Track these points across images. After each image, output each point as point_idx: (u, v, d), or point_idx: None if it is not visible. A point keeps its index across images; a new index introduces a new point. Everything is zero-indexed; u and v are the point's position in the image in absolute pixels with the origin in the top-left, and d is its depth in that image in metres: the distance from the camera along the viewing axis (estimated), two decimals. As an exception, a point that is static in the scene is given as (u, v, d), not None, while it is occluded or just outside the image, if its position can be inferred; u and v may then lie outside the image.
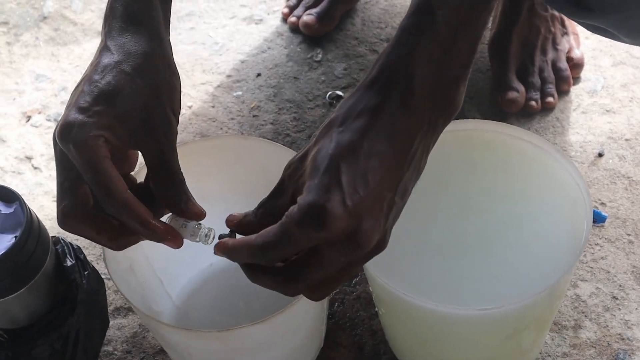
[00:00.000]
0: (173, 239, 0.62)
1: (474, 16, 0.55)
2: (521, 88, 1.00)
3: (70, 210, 0.59)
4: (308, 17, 1.11)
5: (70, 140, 0.57)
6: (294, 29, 1.14)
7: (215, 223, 0.86)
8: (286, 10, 1.15)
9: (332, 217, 0.51)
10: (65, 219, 0.59)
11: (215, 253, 0.58)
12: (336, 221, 0.51)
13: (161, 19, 0.64)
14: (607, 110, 1.01)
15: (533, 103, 1.00)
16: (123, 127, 0.59)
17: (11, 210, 0.74)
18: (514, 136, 0.76)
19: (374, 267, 0.69)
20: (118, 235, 0.60)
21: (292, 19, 1.13)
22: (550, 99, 1.01)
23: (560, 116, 1.01)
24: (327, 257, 0.53)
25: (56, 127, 0.59)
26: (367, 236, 0.52)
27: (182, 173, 0.62)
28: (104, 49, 0.61)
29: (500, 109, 1.01)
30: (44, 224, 0.78)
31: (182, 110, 1.06)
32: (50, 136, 1.04)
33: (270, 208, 0.57)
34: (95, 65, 0.60)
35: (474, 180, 0.78)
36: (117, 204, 0.57)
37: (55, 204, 0.97)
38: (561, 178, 0.74)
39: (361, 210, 0.52)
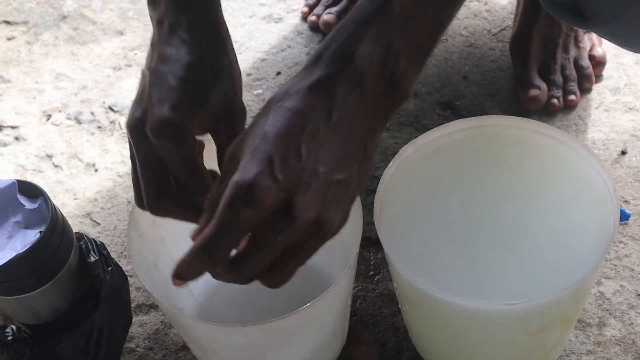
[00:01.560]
0: None
1: (434, 7, 0.54)
2: (543, 86, 1.00)
3: (159, 195, 0.63)
4: (328, 16, 1.11)
5: (168, 138, 0.60)
6: (314, 27, 1.14)
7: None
8: (306, 9, 1.15)
9: (260, 190, 0.50)
10: (154, 203, 0.63)
11: (174, 284, 0.57)
12: (264, 194, 0.50)
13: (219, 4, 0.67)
14: (630, 108, 1.01)
15: (555, 101, 1.00)
16: (210, 119, 0.62)
17: (35, 205, 0.74)
18: (539, 132, 0.76)
19: (399, 263, 0.68)
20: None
21: (312, 17, 1.13)
22: (572, 97, 1.00)
23: (583, 114, 1.01)
24: (263, 236, 0.52)
25: (138, 120, 0.61)
26: (302, 210, 0.51)
27: None
28: (173, 36, 0.62)
29: (521, 107, 1.01)
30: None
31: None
32: (71, 135, 1.05)
33: (218, 197, 0.55)
34: (173, 58, 0.62)
35: (499, 176, 0.78)
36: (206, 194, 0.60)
37: (76, 201, 0.98)
38: (587, 175, 0.73)
39: (292, 183, 0.50)
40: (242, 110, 0.66)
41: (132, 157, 0.64)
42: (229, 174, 0.54)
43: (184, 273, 0.56)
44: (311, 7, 1.15)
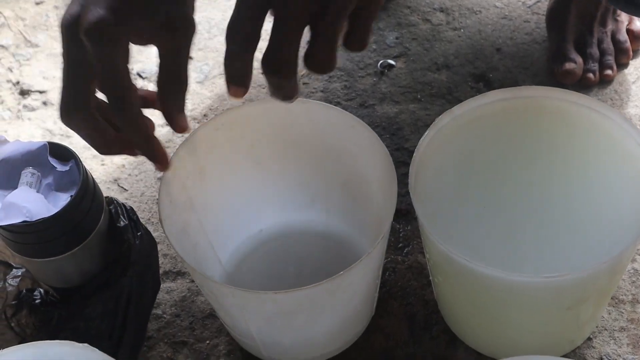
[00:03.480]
0: (164, 161, 0.62)
1: None
2: (579, 59, 0.98)
3: (77, 104, 0.59)
4: None
5: (101, 40, 0.55)
6: None
7: (269, 186, 0.85)
8: None
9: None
10: (69, 110, 0.59)
11: (231, 94, 0.57)
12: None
13: None
14: (667, 84, 0.99)
15: (590, 75, 0.98)
16: (147, 26, 0.57)
17: (66, 168, 0.74)
18: (578, 104, 0.74)
19: (435, 234, 0.67)
20: (112, 143, 0.61)
21: None
22: (608, 72, 0.98)
23: (619, 89, 0.99)
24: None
25: (74, 17, 0.57)
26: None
27: (188, 83, 0.60)
28: None
29: (556, 81, 0.99)
30: (94, 187, 0.77)
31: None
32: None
33: None
34: None
35: (537, 148, 0.77)
36: (129, 115, 0.57)
37: (103, 167, 0.98)
38: (627, 148, 0.72)
39: None
40: (188, 21, 0.58)
41: (63, 56, 0.59)
42: None
43: (233, 73, 0.56)
44: None
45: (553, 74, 0.99)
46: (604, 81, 0.99)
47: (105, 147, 0.62)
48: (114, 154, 0.63)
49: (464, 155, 0.77)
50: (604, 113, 0.73)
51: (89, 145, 1.00)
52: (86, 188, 0.72)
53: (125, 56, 0.57)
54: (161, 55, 0.59)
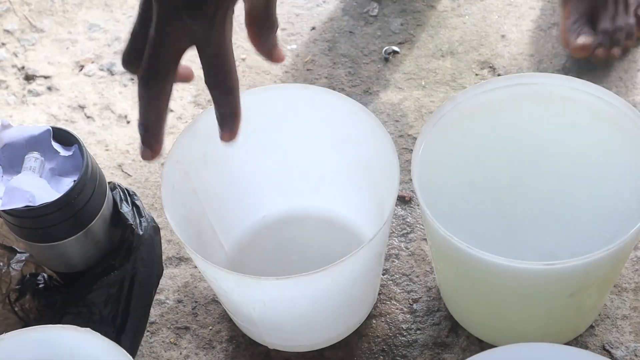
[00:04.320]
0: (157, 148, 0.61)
1: None
2: (592, 34, 0.97)
3: (163, 72, 0.58)
4: None
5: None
6: None
7: (271, 172, 0.85)
8: None
9: None
10: (153, 73, 0.58)
11: None
12: None
13: None
14: (673, 72, 0.98)
15: (600, 50, 0.97)
16: None
17: (70, 153, 0.74)
18: (582, 91, 0.74)
19: (437, 220, 0.67)
20: (160, 126, 0.61)
21: None
22: (615, 50, 0.97)
23: (624, 76, 0.98)
24: None
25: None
26: None
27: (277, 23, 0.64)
28: None
29: (561, 67, 0.99)
30: (98, 172, 0.77)
31: (236, 63, 1.05)
32: (104, 86, 1.04)
33: None
34: None
35: (540, 135, 0.77)
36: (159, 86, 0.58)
37: (107, 152, 0.98)
38: (632, 136, 0.72)
39: None
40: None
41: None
42: None
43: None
44: None
45: (566, 46, 0.98)
46: (613, 57, 0.98)
47: (153, 125, 0.60)
48: (150, 137, 0.61)
49: (467, 142, 0.77)
50: (609, 100, 0.73)
51: (93, 131, 1.01)
52: (89, 173, 0.72)
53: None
54: (252, 3, 0.62)
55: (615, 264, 0.69)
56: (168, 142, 0.97)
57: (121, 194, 0.79)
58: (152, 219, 0.80)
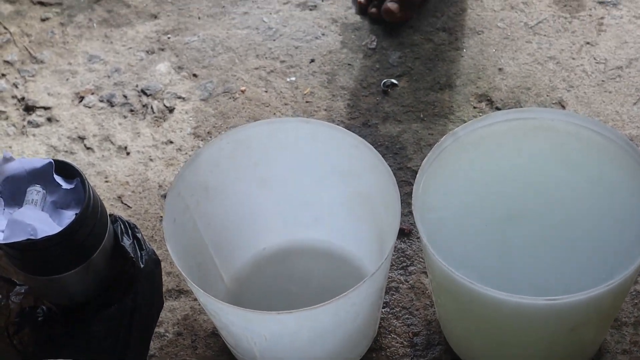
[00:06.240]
0: None
1: None
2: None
3: None
4: (392, 4, 1.08)
5: None
6: (375, 19, 1.11)
7: (271, 205, 0.85)
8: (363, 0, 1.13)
9: None
10: None
11: None
12: None
13: None
14: (669, 105, 0.99)
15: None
16: None
17: (72, 186, 0.74)
18: (581, 125, 0.74)
19: (437, 254, 0.67)
20: None
21: (373, 9, 1.11)
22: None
23: (620, 109, 0.99)
24: None
25: None
26: None
27: None
28: None
29: (558, 100, 1.00)
30: (98, 204, 0.77)
31: (236, 95, 1.06)
32: (103, 117, 1.05)
33: None
34: None
35: (540, 169, 0.77)
36: None
37: (107, 184, 0.98)
38: (631, 170, 0.72)
39: None
40: None
41: None
42: None
43: None
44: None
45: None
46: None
47: None
48: None
49: (468, 176, 0.77)
50: (607, 135, 0.74)
51: (92, 162, 1.01)
52: (91, 206, 0.73)
53: None
54: None
55: (616, 298, 0.70)
56: (168, 173, 0.99)
57: (122, 226, 0.79)
58: (153, 252, 0.80)
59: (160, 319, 0.85)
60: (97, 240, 0.74)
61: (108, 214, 0.77)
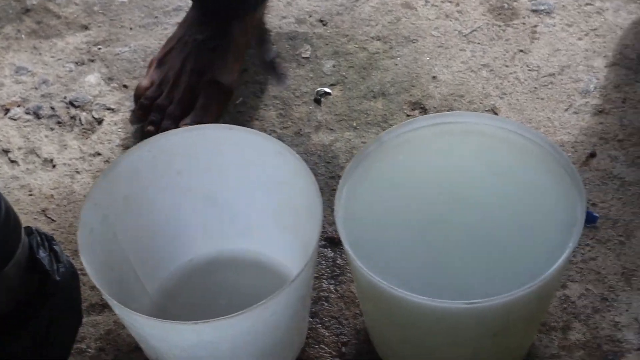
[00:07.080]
0: None
1: None
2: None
3: None
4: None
5: None
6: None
7: (197, 214, 0.84)
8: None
9: None
10: None
11: None
12: None
13: None
14: (600, 111, 0.99)
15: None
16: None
17: (-18, 197, 0.71)
18: (507, 129, 0.74)
19: (359, 260, 0.66)
20: None
21: (150, 127, 0.98)
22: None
23: (552, 116, 0.99)
24: None
25: None
26: None
27: None
28: None
29: (491, 107, 0.99)
30: (20, 217, 0.75)
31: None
32: (29, 129, 1.02)
33: None
34: None
35: (465, 173, 0.76)
36: None
37: (31, 197, 0.95)
38: (556, 175, 0.72)
39: None
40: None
41: None
42: None
43: None
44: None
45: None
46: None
47: None
48: None
49: (392, 181, 0.76)
50: (533, 139, 0.73)
51: (16, 175, 0.98)
52: (2, 217, 0.70)
53: None
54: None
55: (539, 303, 0.69)
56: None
57: (38, 239, 0.76)
58: (71, 265, 0.77)
59: (81, 334, 0.83)
60: (8, 253, 0.71)
61: (23, 226, 0.75)
